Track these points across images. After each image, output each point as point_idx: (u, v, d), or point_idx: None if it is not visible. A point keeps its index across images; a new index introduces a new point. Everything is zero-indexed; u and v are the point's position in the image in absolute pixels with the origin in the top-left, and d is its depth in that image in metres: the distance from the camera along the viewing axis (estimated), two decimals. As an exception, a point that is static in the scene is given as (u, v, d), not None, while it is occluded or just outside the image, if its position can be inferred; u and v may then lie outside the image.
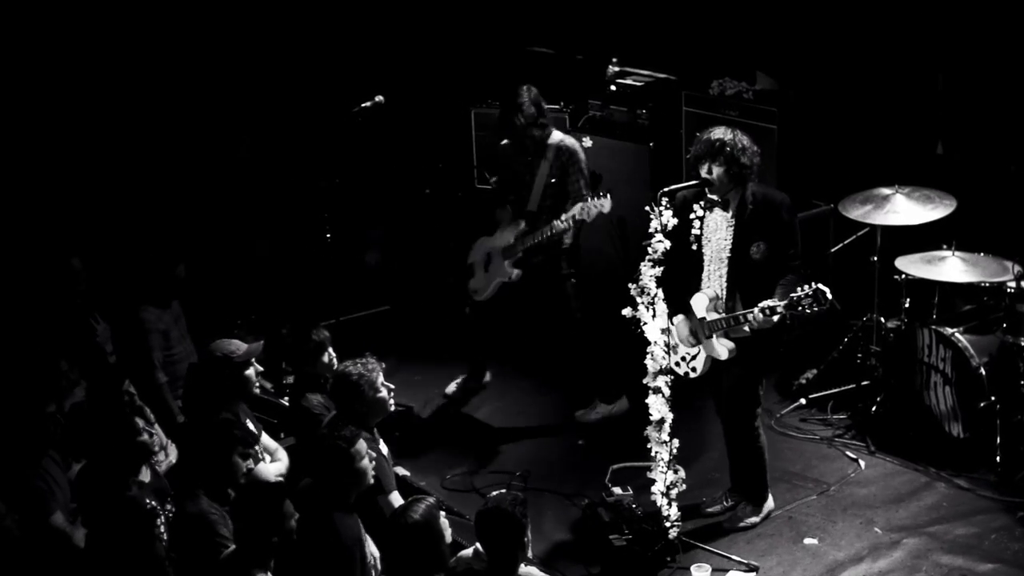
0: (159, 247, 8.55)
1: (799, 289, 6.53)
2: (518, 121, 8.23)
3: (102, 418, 6.39)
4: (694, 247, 6.95)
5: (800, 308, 6.53)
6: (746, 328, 6.78)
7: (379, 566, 6.06)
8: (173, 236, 9.37)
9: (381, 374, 6.73)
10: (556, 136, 8.41)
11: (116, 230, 9.58)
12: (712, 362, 7.02)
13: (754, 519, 7.32)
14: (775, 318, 6.62)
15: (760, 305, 6.64)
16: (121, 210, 9.80)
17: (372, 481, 6.11)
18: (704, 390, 7.44)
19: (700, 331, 6.95)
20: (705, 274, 6.96)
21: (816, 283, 6.50)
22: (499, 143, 8.65)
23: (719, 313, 6.87)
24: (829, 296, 6.49)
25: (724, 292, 6.90)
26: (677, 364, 7.11)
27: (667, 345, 6.89)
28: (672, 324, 6.98)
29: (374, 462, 6.15)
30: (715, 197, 6.85)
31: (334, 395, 6.77)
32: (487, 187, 9.70)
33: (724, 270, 6.90)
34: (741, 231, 6.83)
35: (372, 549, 6.11)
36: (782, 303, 6.57)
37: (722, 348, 6.91)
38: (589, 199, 7.95)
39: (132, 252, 8.84)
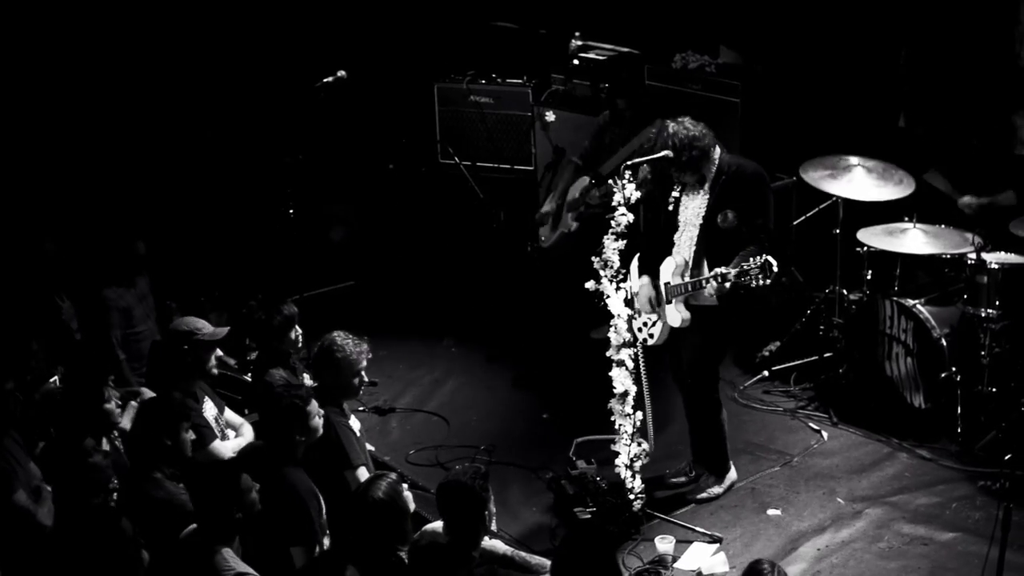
0: (118, 225, 8.51)
1: (751, 259, 6.56)
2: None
3: (72, 389, 6.40)
4: (670, 208, 6.99)
5: (747, 278, 6.56)
6: (705, 294, 6.80)
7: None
8: (133, 213, 9.31)
9: (366, 360, 6.72)
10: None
11: (79, 209, 9.51)
12: (671, 332, 7.05)
13: (717, 489, 7.36)
14: (727, 285, 6.65)
15: (713, 271, 6.68)
16: (84, 188, 9.72)
17: (320, 433, 6.14)
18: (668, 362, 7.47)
19: (661, 295, 6.98)
20: (677, 237, 6.99)
21: (765, 255, 6.53)
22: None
23: (682, 279, 6.90)
24: (775, 268, 6.50)
25: (692, 258, 6.92)
26: (639, 330, 7.14)
27: (631, 309, 6.98)
28: (637, 287, 7.05)
29: (318, 420, 6.17)
30: (688, 181, 6.92)
31: (318, 360, 6.75)
32: (451, 161, 9.72)
33: (695, 237, 6.93)
34: (714, 200, 6.87)
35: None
36: (733, 271, 6.60)
37: (676, 315, 6.94)
38: None
39: (94, 231, 8.78)
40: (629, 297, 7.04)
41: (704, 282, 6.74)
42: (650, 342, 7.15)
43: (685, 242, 6.95)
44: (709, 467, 7.39)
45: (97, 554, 5.62)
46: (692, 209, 6.94)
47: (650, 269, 7.07)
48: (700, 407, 7.26)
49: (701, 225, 6.88)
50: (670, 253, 6.99)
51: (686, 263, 6.92)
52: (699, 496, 7.34)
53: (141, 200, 9.76)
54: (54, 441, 6.41)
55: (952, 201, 8.35)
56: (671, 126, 6.81)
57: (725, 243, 6.82)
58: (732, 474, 7.42)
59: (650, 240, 7.07)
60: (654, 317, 7.08)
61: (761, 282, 6.53)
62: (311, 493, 5.95)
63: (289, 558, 5.80)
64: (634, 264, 7.16)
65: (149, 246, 8.33)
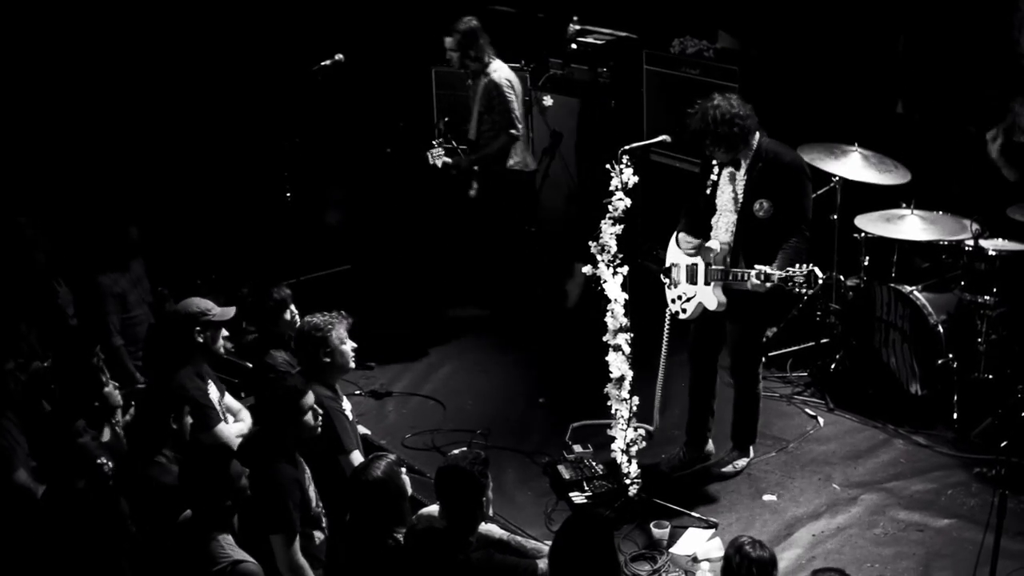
0: (111, 210, 8.50)
1: (796, 265, 6.58)
2: (449, 58, 8.97)
3: (67, 374, 6.38)
4: (708, 191, 6.99)
5: (791, 284, 6.58)
6: (748, 286, 6.81)
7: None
8: (126, 198, 9.28)
9: (345, 329, 6.72)
10: (492, 68, 8.86)
11: (72, 194, 9.49)
12: (703, 311, 7.06)
13: (742, 463, 7.41)
14: (768, 285, 6.66)
15: (757, 269, 6.68)
16: (77, 174, 9.70)
17: (317, 432, 6.11)
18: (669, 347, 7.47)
19: (700, 275, 6.99)
20: (714, 221, 6.99)
21: (811, 264, 6.55)
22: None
23: (722, 264, 6.91)
24: (820, 280, 6.56)
25: (731, 244, 6.93)
26: (673, 301, 7.17)
27: (668, 279, 7.06)
28: (676, 260, 7.10)
29: (321, 418, 6.14)
30: (721, 158, 6.90)
31: (298, 345, 6.76)
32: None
33: (732, 222, 6.93)
34: (750, 187, 6.87)
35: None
36: (777, 274, 6.62)
37: (713, 299, 6.96)
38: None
39: (87, 216, 8.77)
40: (667, 266, 7.13)
41: (746, 276, 6.73)
42: (682, 316, 7.17)
43: (722, 227, 6.96)
44: (737, 441, 7.43)
45: (82, 534, 5.62)
46: (728, 194, 6.93)
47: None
48: (744, 382, 7.29)
49: (738, 211, 6.88)
50: (708, 232, 7.00)
51: (729, 247, 6.92)
52: (723, 470, 7.39)
53: (135, 185, 9.74)
54: (44, 420, 6.39)
55: (948, 187, 8.34)
56: (716, 98, 6.76)
57: (763, 232, 6.83)
58: (751, 450, 7.48)
59: (691, 219, 7.07)
60: (691, 292, 7.09)
61: (804, 291, 6.58)
62: (294, 482, 5.90)
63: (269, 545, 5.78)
64: (673, 239, 7.17)
65: (145, 230, 8.31)
